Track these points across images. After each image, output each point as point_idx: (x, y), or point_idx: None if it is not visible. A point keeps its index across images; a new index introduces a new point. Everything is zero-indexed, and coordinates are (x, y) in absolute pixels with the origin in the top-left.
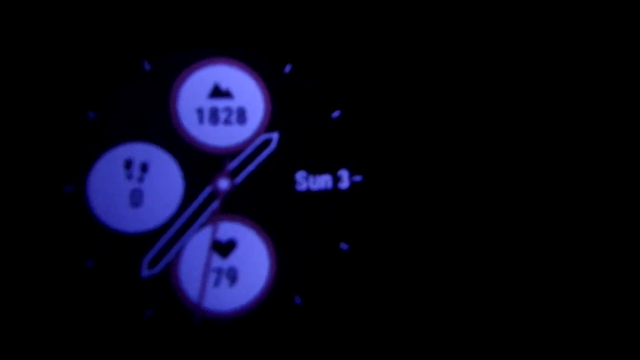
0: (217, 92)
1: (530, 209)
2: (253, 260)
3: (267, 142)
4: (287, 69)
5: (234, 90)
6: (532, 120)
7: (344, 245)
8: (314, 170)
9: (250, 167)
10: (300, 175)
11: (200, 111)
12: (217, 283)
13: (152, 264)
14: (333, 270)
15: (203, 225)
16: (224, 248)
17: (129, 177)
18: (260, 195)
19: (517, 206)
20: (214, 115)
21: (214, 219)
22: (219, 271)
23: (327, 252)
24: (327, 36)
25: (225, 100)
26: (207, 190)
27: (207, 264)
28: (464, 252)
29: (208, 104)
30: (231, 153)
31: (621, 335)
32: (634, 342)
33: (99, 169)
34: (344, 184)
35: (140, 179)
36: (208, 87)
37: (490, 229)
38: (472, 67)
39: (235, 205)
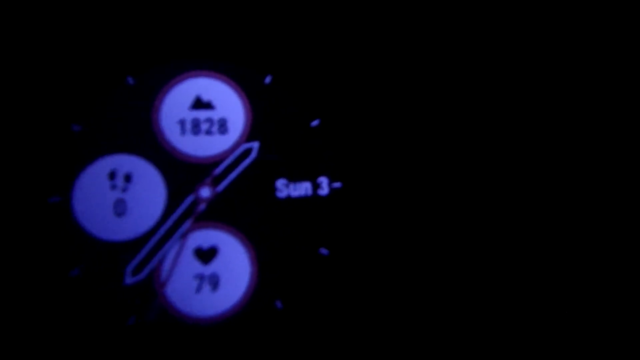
0: (199, 104)
1: (510, 209)
2: (235, 266)
3: (248, 151)
4: (268, 80)
5: (215, 101)
6: (509, 123)
7: (323, 250)
8: (294, 177)
9: (232, 176)
10: (280, 183)
11: (182, 122)
12: (199, 289)
13: (136, 271)
14: (313, 275)
15: (185, 233)
16: (206, 255)
17: (113, 187)
18: (242, 202)
19: (496, 210)
20: (196, 126)
21: (196, 227)
22: (201, 277)
23: (308, 257)
24: (306, 48)
25: (207, 112)
26: (190, 198)
27: (178, 266)
28: (443, 256)
29: (190, 115)
30: (213, 162)
31: (621, 336)
32: (634, 342)
33: (84, 180)
34: (324, 190)
35: (124, 189)
36: (190, 99)
37: (469, 232)
38: (449, 73)
39: (217, 213)
